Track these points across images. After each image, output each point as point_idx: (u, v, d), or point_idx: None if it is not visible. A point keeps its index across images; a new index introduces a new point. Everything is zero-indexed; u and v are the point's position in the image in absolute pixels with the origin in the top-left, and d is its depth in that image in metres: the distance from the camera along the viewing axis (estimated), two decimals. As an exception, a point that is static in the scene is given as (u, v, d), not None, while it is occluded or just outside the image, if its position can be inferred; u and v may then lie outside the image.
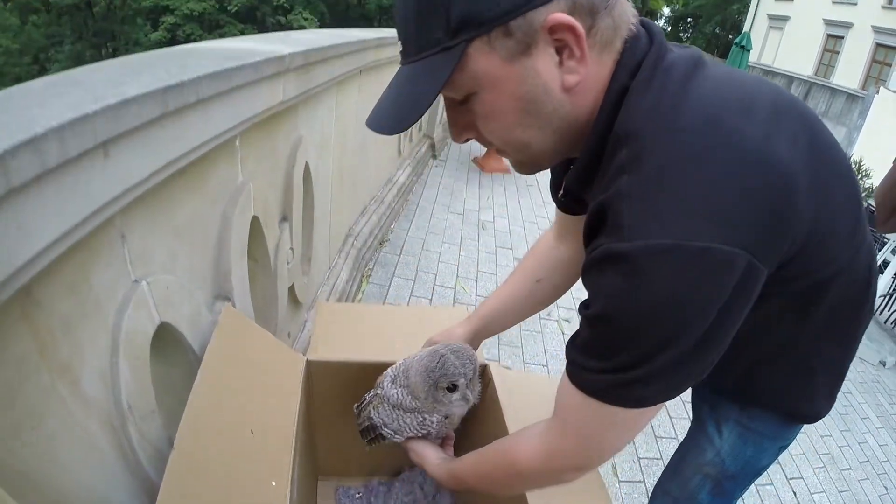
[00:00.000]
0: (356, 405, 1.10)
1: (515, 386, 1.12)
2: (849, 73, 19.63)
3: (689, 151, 0.53)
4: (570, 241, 1.00)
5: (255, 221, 1.19)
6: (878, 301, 4.88)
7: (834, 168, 0.64)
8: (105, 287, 0.71)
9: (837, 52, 20.68)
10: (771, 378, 0.88)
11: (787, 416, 0.94)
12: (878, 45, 18.87)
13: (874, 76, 18.63)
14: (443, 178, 5.09)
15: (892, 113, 12.82)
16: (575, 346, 0.66)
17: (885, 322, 5.14)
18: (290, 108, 1.33)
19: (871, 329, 4.63)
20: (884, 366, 4.20)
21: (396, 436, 1.03)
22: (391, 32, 2.83)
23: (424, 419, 1.00)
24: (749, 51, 8.78)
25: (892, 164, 4.10)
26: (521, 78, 0.58)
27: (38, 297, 0.58)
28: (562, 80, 0.59)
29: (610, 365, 0.60)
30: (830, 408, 0.94)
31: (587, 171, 0.65)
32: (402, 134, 4.04)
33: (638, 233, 0.53)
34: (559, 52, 0.57)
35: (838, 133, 18.20)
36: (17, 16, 29.48)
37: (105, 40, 30.96)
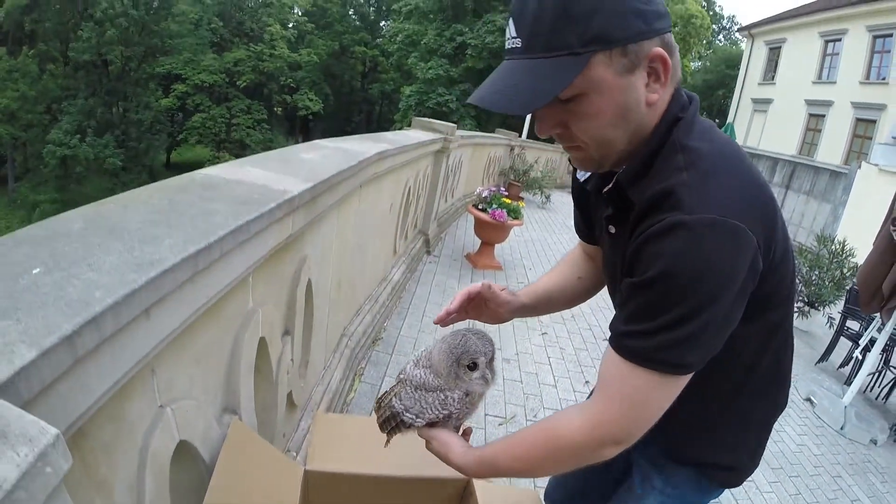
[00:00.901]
0: (377, 398, 1.14)
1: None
2: (832, 150, 20.16)
3: (727, 165, 0.80)
4: (592, 261, 1.23)
5: (261, 341, 1.33)
6: (866, 378, 4.91)
7: (790, 242, 0.89)
8: (137, 415, 0.84)
9: (819, 131, 21.27)
10: (708, 432, 1.03)
11: (710, 476, 1.07)
12: (858, 119, 19.43)
13: (856, 150, 19.22)
14: (436, 275, 5.22)
15: (874, 186, 13.00)
16: (622, 319, 0.82)
17: (876, 398, 5.18)
18: (297, 237, 1.48)
19: (860, 408, 4.66)
20: (875, 444, 4.21)
21: (418, 419, 1.06)
22: (390, 142, 3.02)
23: (446, 397, 1.04)
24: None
25: (872, 246, 4.26)
26: (624, 89, 0.77)
27: (85, 430, 0.71)
28: (647, 97, 0.79)
29: (657, 325, 0.76)
30: (755, 468, 1.08)
31: (644, 167, 0.83)
32: (398, 231, 4.18)
33: (696, 209, 0.73)
34: (649, 75, 0.78)
35: (823, 210, 18.40)
36: (36, 63, 30.23)
37: (117, 99, 31.65)
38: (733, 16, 54.99)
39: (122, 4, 29.32)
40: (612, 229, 0.93)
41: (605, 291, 1.17)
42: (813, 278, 7.16)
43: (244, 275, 1.13)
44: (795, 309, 7.06)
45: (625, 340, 0.80)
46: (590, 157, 0.86)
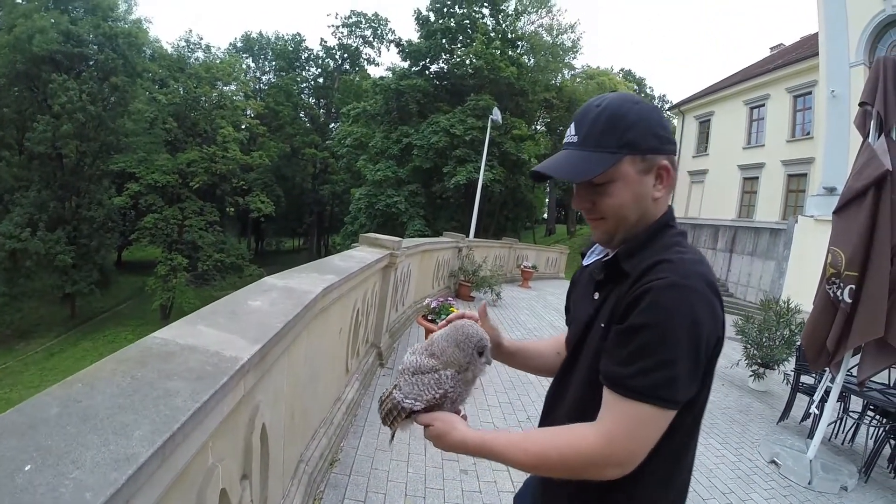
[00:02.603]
0: (380, 398, 1.27)
1: None
2: (769, 209, 21.12)
3: (704, 263, 1.06)
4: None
5: (222, 493, 1.45)
6: (827, 428, 5.09)
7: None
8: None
9: (755, 192, 22.33)
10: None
11: None
12: (790, 175, 20.46)
13: (792, 205, 20.14)
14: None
15: (813, 236, 13.58)
16: (619, 365, 1.01)
17: (842, 443, 5.37)
18: (249, 392, 1.61)
19: (827, 458, 4.82)
20: (846, 490, 4.30)
21: (417, 402, 1.17)
22: (336, 271, 3.14)
23: (440, 376, 1.18)
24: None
25: (811, 306, 4.51)
26: (640, 184, 1.11)
27: None
28: (653, 193, 1.13)
29: (650, 363, 0.96)
30: None
31: (641, 247, 1.12)
32: (349, 350, 4.21)
33: (689, 277, 0.99)
34: (657, 178, 1.13)
35: (768, 267, 19.16)
36: None
37: (70, 194, 31.44)
38: (664, 94, 57.88)
39: (80, 99, 29.64)
40: (596, 296, 1.19)
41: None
42: (763, 340, 7.47)
43: (204, 443, 1.28)
44: (751, 371, 7.36)
45: (623, 382, 0.99)
46: (607, 230, 1.16)
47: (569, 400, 1.21)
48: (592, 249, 1.35)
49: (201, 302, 29.61)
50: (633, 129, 1.08)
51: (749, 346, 7.61)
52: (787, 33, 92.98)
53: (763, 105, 22.77)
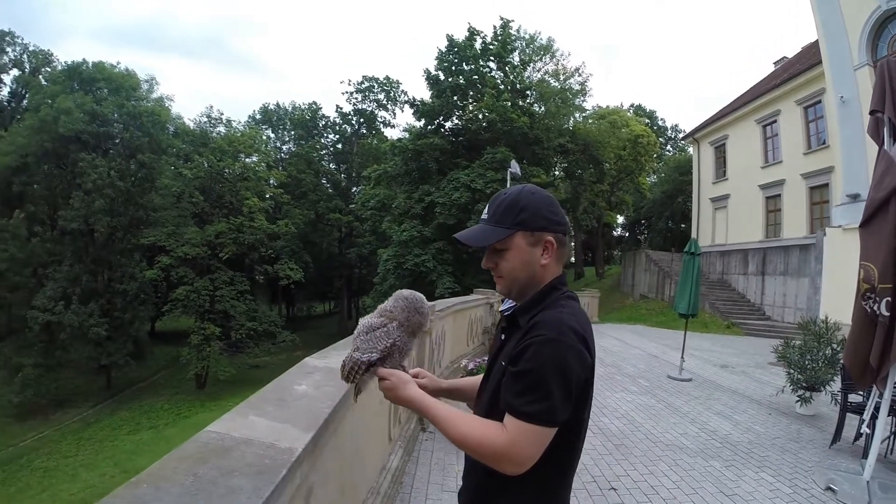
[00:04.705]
0: (342, 363, 1.54)
1: None
2: (795, 225, 20.73)
3: (578, 317, 1.40)
4: None
5: None
6: (882, 445, 4.96)
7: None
8: None
9: (779, 210, 21.99)
10: None
11: None
12: (811, 188, 20.14)
13: (817, 217, 19.79)
14: (434, 453, 5.27)
15: (843, 246, 13.20)
16: (513, 396, 1.32)
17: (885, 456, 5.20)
18: (304, 479, 1.66)
19: (883, 478, 4.66)
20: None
21: (373, 353, 1.48)
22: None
23: (388, 329, 1.51)
24: (698, 255, 9.95)
25: (850, 324, 4.42)
26: (528, 253, 1.45)
27: None
28: (539, 261, 1.46)
29: (532, 397, 1.28)
30: None
31: (532, 305, 1.45)
32: (391, 419, 4.27)
33: (563, 334, 1.32)
34: (543, 250, 1.46)
35: (802, 285, 18.71)
36: (25, 226, 31.17)
37: (102, 268, 32.29)
38: (676, 124, 57.51)
39: (108, 176, 30.66)
40: (503, 337, 1.54)
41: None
42: (806, 363, 7.31)
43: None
44: (797, 397, 7.16)
45: (522, 408, 1.30)
46: (505, 285, 1.51)
47: (481, 410, 1.52)
48: (506, 298, 1.74)
49: (236, 370, 30.11)
50: (524, 211, 1.45)
51: (792, 370, 7.42)
52: (789, 45, 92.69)
53: (775, 121, 22.64)
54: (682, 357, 10.43)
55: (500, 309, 1.76)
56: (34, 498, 17.65)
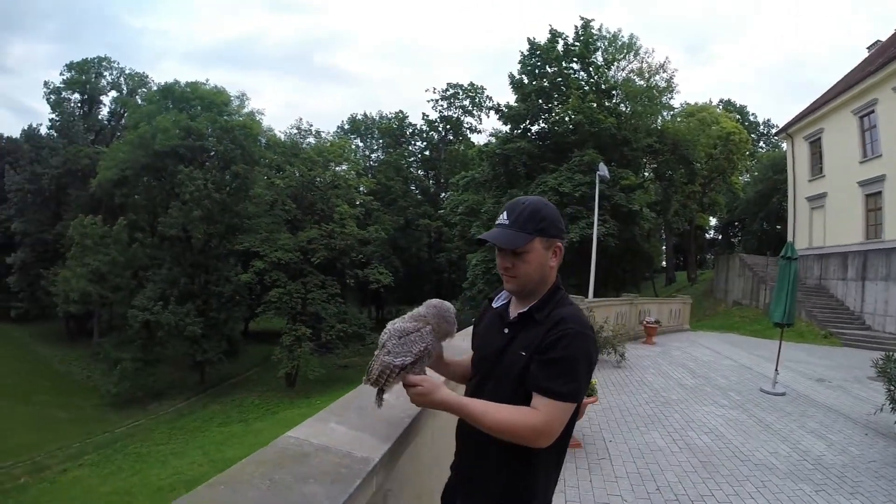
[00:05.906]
0: (367, 367, 1.63)
1: None
2: None
3: (582, 313, 1.73)
4: None
5: None
6: None
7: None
8: None
9: (880, 209, 20.24)
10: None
11: None
12: None
13: (923, 215, 18.06)
14: None
15: None
16: (548, 380, 1.57)
17: None
18: (379, 487, 1.65)
19: None
20: None
21: (407, 357, 1.57)
22: (459, 351, 3.17)
23: (422, 333, 1.62)
24: (795, 260, 9.35)
25: None
26: (543, 255, 1.72)
27: None
28: (549, 264, 1.74)
29: (567, 379, 1.56)
30: None
31: (544, 303, 1.72)
32: None
33: (583, 327, 1.64)
34: (553, 254, 1.75)
35: None
36: (127, 232, 33.94)
37: (199, 271, 34.78)
38: (768, 119, 54.07)
39: (205, 187, 32.86)
40: (506, 331, 1.75)
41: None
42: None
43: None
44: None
45: (558, 388, 1.55)
46: (518, 284, 1.73)
47: (486, 396, 1.68)
48: (499, 295, 1.94)
49: (325, 370, 31.49)
50: (544, 220, 1.69)
51: (893, 386, 6.80)
52: (882, 27, 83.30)
53: (872, 111, 20.83)
54: (777, 369, 9.88)
55: (493, 305, 1.84)
56: (126, 480, 18.90)
